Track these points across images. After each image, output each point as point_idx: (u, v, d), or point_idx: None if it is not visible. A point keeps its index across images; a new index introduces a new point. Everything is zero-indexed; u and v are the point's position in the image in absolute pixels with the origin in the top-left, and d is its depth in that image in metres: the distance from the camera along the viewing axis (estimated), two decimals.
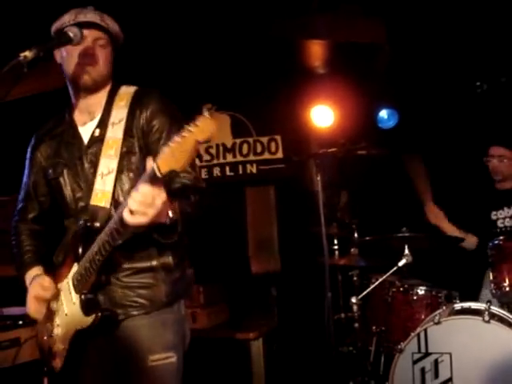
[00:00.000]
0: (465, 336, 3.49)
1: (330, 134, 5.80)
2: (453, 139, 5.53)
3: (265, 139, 6.14)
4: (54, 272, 2.56)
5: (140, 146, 2.44)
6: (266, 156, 6.13)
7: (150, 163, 1.97)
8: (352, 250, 4.91)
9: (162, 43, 5.18)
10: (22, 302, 2.63)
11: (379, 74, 5.84)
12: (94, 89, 2.51)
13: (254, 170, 6.16)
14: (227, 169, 6.22)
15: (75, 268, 2.39)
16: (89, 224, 2.39)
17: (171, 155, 1.88)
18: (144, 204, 1.99)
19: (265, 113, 6.03)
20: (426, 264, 4.47)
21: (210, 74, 5.83)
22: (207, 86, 5.96)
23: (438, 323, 3.56)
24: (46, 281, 2.49)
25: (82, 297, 2.37)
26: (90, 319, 2.34)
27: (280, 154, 6.10)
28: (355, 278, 4.71)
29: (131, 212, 2.01)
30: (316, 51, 5.90)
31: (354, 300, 4.22)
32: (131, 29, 2.64)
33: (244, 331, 4.99)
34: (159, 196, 2.00)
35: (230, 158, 6.20)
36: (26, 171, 2.71)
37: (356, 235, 4.93)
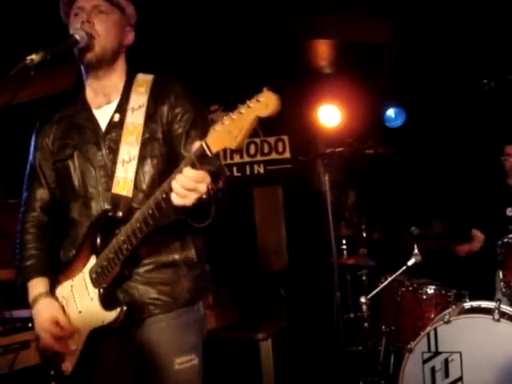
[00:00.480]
0: (475, 335, 3.48)
1: (337, 134, 5.80)
2: (460, 137, 5.52)
3: (272, 139, 6.15)
4: (63, 269, 2.42)
5: (163, 131, 2.35)
6: (274, 156, 6.14)
7: (196, 144, 1.91)
8: (361, 249, 4.90)
9: (167, 42, 5.18)
10: None
11: (386, 73, 5.83)
12: (99, 65, 2.37)
13: (262, 171, 6.16)
14: (234, 169, 6.22)
15: (93, 261, 2.27)
16: (110, 214, 2.29)
17: (226, 133, 1.83)
18: (188, 187, 1.93)
19: None
20: (435, 263, 4.46)
21: (216, 74, 5.83)
22: (213, 86, 5.96)
23: (448, 322, 3.55)
24: (60, 315, 2.34)
25: (102, 290, 2.25)
26: (113, 314, 2.22)
27: (287, 154, 6.10)
28: (364, 278, 4.70)
29: (175, 194, 1.95)
30: (323, 51, 5.90)
31: (363, 300, 4.23)
32: (138, 28, 2.61)
33: (253, 332, 4.98)
34: (204, 179, 1.94)
35: (237, 158, 6.20)
36: (31, 158, 2.53)
37: (364, 235, 4.91)
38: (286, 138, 6.11)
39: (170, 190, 1.98)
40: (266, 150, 6.15)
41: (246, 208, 6.15)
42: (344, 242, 5.11)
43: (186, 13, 4.86)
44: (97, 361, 2.36)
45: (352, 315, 4.84)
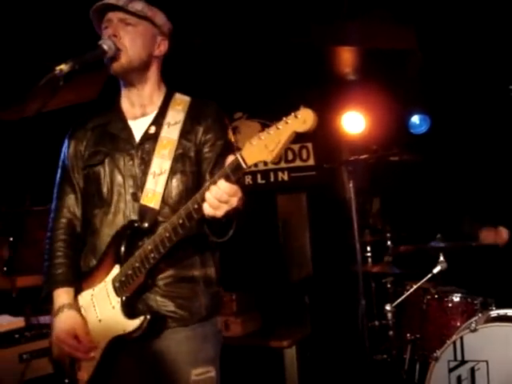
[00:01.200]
0: (501, 343, 3.44)
1: (361, 141, 5.78)
2: (485, 143, 5.47)
3: (296, 146, 6.14)
4: (83, 278, 2.44)
5: (196, 151, 2.40)
6: (298, 163, 6.14)
7: (231, 157, 1.99)
8: (385, 257, 4.87)
9: (193, 50, 5.21)
10: None
11: (411, 79, 5.81)
12: (128, 76, 2.43)
13: (286, 178, 6.17)
14: (259, 176, 6.23)
15: (116, 270, 2.31)
16: (137, 224, 2.32)
17: (263, 147, 1.92)
18: (222, 199, 1.99)
19: None
20: (461, 271, 4.42)
21: (240, 81, 5.86)
22: (237, 94, 5.98)
23: (475, 331, 3.52)
24: (80, 329, 2.35)
25: (124, 299, 2.28)
26: (136, 322, 2.24)
27: (311, 161, 6.10)
28: (389, 286, 4.67)
29: (207, 204, 2.00)
30: (347, 58, 5.89)
31: (388, 307, 4.19)
32: None
33: (277, 339, 4.98)
34: (236, 193, 2.01)
35: (261, 165, 6.20)
36: (64, 163, 2.55)
37: (389, 242, 4.88)
38: (310, 145, 6.11)
39: (203, 200, 2.02)
40: (290, 157, 6.15)
41: (269, 215, 6.15)
42: (369, 249, 5.09)
43: (209, 21, 4.88)
44: (113, 370, 2.38)
45: (377, 323, 4.80)
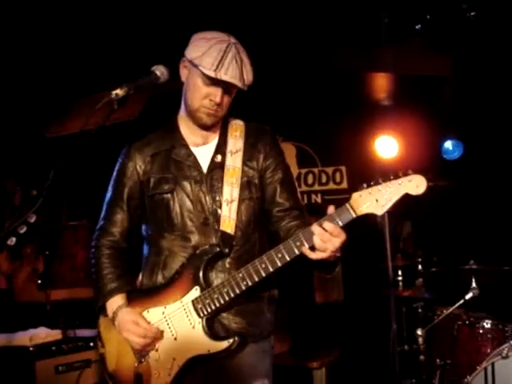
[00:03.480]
0: None
1: (394, 165, 5.79)
2: None
3: (330, 170, 6.19)
4: (149, 293, 2.53)
5: (259, 177, 2.55)
6: (331, 186, 6.18)
7: (331, 208, 2.21)
8: (417, 281, 4.87)
9: None
10: (94, 324, 2.65)
11: (444, 105, 5.83)
12: (209, 127, 2.55)
13: (319, 200, 6.21)
14: None
15: (196, 291, 2.41)
16: (218, 249, 2.44)
17: (373, 201, 2.18)
18: (324, 238, 2.18)
19: (330, 143, 6.08)
20: (493, 297, 4.41)
21: (276, 105, 5.92)
22: (274, 118, 6.05)
23: (506, 357, 3.51)
24: (141, 321, 2.45)
25: (207, 320, 2.39)
26: (223, 344, 2.37)
27: (345, 185, 6.14)
28: (420, 310, 4.66)
29: (312, 246, 2.20)
30: (382, 83, 5.94)
31: (419, 332, 4.19)
32: None
33: (307, 360, 4.99)
34: (340, 235, 2.21)
35: None
36: (117, 183, 2.62)
37: (420, 267, 4.87)
38: (343, 168, 6.16)
39: (307, 240, 2.21)
40: (324, 179, 6.19)
41: None
42: (400, 273, 5.10)
43: (249, 45, 4.97)
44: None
45: (406, 347, 4.81)
